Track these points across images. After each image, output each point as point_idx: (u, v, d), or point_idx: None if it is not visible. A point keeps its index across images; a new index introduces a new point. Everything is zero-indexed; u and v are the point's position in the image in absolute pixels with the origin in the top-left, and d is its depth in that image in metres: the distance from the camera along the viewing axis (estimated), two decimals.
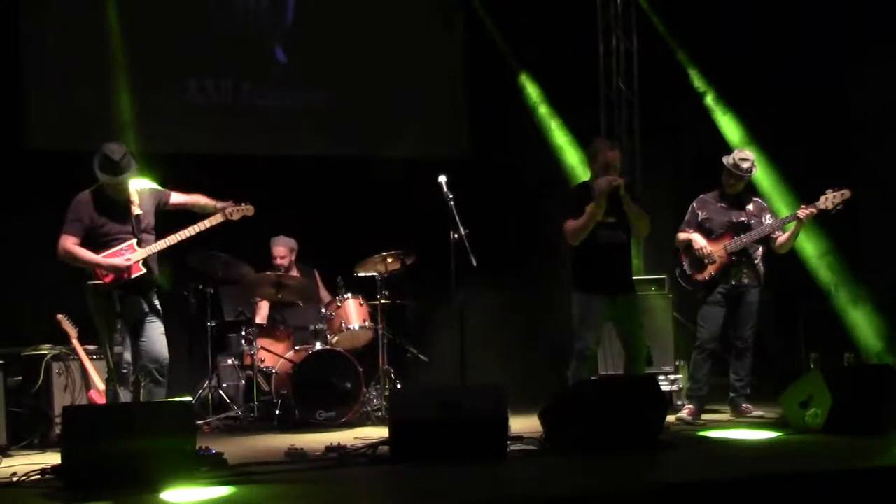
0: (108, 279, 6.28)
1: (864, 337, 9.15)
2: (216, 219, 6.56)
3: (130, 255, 6.32)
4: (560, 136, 9.91)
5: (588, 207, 6.62)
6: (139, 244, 6.37)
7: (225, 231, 6.79)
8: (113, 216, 6.37)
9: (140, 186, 6.50)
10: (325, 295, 8.62)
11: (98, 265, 6.28)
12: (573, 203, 6.78)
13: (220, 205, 6.60)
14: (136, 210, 6.38)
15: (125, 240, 6.35)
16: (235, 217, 6.63)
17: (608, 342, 7.75)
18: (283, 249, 8.44)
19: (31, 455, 6.55)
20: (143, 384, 6.40)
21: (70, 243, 6.32)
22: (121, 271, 6.28)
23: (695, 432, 6.76)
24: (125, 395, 6.31)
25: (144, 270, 6.35)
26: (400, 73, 9.79)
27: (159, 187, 6.61)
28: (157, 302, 6.51)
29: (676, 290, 8.28)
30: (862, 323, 9.20)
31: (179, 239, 6.47)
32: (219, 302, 8.46)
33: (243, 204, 6.66)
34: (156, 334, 6.43)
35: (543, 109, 9.96)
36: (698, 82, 9.79)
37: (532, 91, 9.98)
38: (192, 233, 6.49)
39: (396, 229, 8.49)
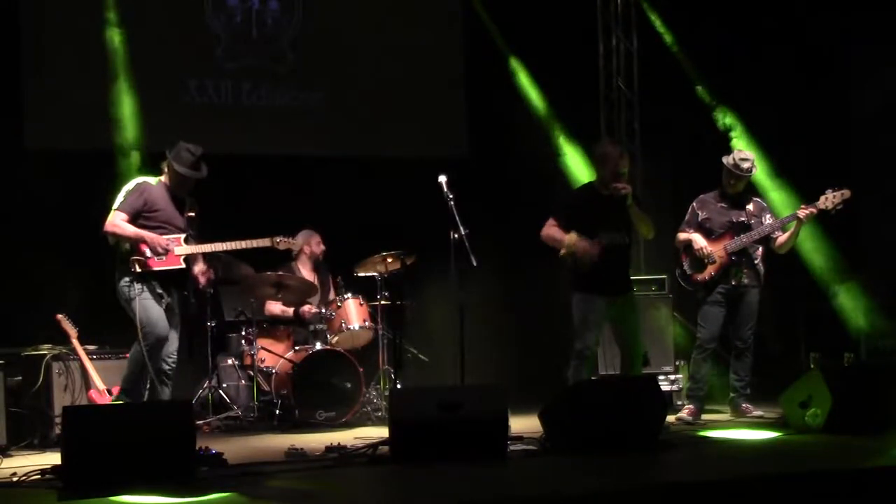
0: (150, 262, 6.46)
1: (863, 335, 9.14)
2: (263, 242, 6.88)
3: (175, 248, 6.55)
4: (559, 136, 9.91)
5: (571, 240, 6.66)
6: (186, 241, 6.60)
7: (225, 231, 6.81)
8: (170, 209, 6.63)
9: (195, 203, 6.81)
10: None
11: (143, 239, 6.48)
12: (566, 206, 6.85)
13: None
14: (189, 212, 6.66)
15: (174, 233, 6.59)
16: (281, 247, 7.02)
17: (608, 342, 7.75)
18: (318, 236, 8.46)
19: (31, 455, 6.54)
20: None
21: (120, 219, 6.54)
22: (161, 248, 6.47)
23: (695, 432, 6.75)
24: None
25: (183, 266, 6.56)
26: (400, 73, 9.79)
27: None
28: (179, 303, 6.69)
29: (676, 290, 8.28)
30: (860, 321, 9.19)
31: (224, 249, 6.76)
32: (219, 302, 8.45)
33: (291, 238, 7.07)
34: (175, 334, 6.62)
35: (543, 109, 9.95)
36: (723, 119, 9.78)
37: (531, 91, 9.97)
38: (236, 247, 6.80)
39: (396, 229, 8.48)
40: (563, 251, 6.77)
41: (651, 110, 10.05)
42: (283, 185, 9.03)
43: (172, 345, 6.62)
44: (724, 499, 4.86)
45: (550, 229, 6.83)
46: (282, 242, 6.97)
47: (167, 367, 6.57)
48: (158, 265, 6.51)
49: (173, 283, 6.60)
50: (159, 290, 6.50)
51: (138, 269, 6.45)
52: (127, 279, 6.49)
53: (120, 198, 6.62)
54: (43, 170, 8.37)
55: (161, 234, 6.55)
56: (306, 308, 8.30)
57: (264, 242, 6.86)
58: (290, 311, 8.34)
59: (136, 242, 6.50)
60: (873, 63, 9.42)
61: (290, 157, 9.32)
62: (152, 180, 6.73)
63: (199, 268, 6.80)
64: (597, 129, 9.92)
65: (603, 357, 7.97)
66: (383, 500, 5.23)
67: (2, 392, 6.73)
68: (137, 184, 6.67)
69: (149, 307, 6.47)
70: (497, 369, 8.70)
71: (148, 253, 6.48)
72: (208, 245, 6.69)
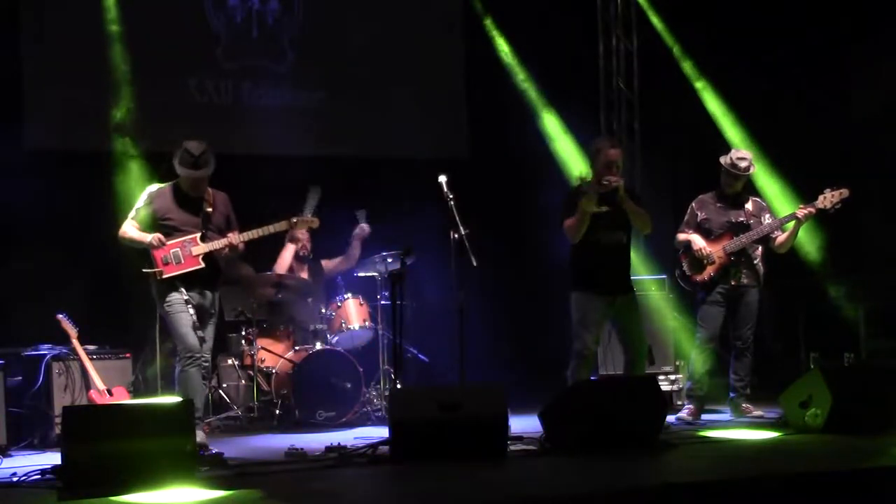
0: (166, 268, 6.40)
1: (862, 336, 9.14)
2: (280, 226, 6.77)
3: (192, 249, 6.46)
4: (560, 137, 9.91)
5: (580, 203, 6.62)
6: (203, 239, 6.50)
7: None
8: (183, 210, 6.54)
9: (219, 193, 6.71)
10: (329, 263, 8.61)
11: (143, 241, 6.41)
12: (572, 203, 6.79)
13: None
14: (207, 207, 6.56)
15: (190, 233, 6.50)
16: (300, 227, 6.96)
17: (608, 342, 7.75)
18: (306, 233, 8.43)
19: (31, 455, 6.55)
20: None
21: (129, 226, 6.53)
22: (153, 263, 6.37)
23: (695, 432, 6.76)
24: (198, 379, 6.39)
25: (203, 265, 6.47)
26: (400, 73, 9.79)
27: (232, 213, 6.76)
28: (216, 301, 6.64)
29: (676, 290, 8.28)
30: (860, 322, 9.18)
31: (241, 240, 6.59)
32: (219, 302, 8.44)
33: (309, 216, 6.96)
34: (210, 331, 6.55)
35: (543, 109, 9.95)
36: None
37: (532, 91, 9.97)
38: (255, 236, 6.66)
39: (396, 229, 8.49)
40: (583, 204, 6.63)
41: (651, 110, 10.06)
42: (283, 186, 9.01)
43: (206, 343, 6.53)
44: (724, 499, 4.86)
45: (568, 222, 6.72)
46: (299, 221, 6.87)
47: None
48: (175, 270, 6.40)
49: (201, 284, 6.50)
50: (186, 296, 6.37)
51: (162, 277, 6.39)
52: (155, 288, 6.46)
53: (137, 204, 6.59)
54: (43, 170, 8.36)
55: (178, 237, 6.46)
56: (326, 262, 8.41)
57: (281, 226, 6.74)
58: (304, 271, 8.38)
59: (144, 246, 6.42)
60: (873, 63, 9.41)
61: (289, 156, 9.31)
62: (163, 186, 6.63)
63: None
64: (597, 130, 9.91)
65: (603, 357, 7.97)
66: (383, 500, 5.24)
67: (2, 392, 6.73)
68: (149, 193, 6.59)
69: (178, 321, 6.39)
70: (497, 369, 8.69)
71: (161, 261, 6.40)
72: (224, 239, 6.51)
